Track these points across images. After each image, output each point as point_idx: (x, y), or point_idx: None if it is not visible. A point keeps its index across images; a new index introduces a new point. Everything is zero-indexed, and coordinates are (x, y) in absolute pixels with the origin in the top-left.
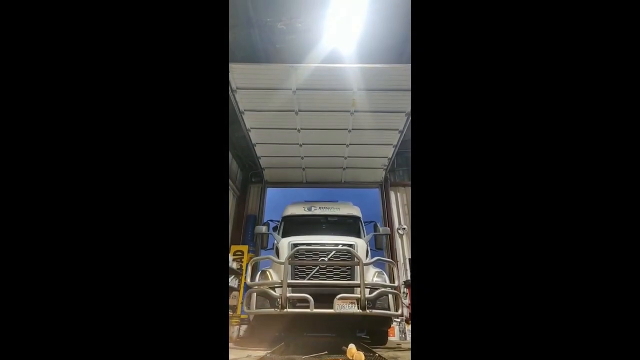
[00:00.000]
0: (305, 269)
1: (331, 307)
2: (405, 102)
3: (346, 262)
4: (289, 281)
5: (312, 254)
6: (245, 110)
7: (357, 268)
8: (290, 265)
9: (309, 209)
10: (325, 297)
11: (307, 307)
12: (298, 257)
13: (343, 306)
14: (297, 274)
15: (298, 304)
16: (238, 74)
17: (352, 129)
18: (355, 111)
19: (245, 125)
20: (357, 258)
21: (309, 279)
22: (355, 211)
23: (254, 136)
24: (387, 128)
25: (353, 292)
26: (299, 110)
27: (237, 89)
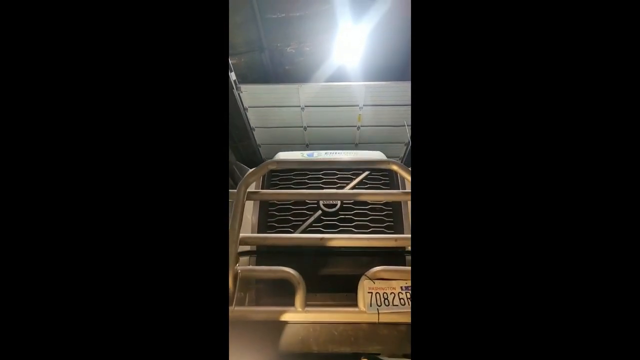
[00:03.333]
0: (292, 216)
1: (350, 302)
2: (409, 116)
3: (388, 197)
4: (244, 235)
5: (309, 177)
6: (255, 127)
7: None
8: (254, 203)
9: (310, 155)
10: (334, 281)
11: (290, 304)
12: (276, 182)
13: (385, 299)
14: (272, 224)
15: (265, 297)
16: (249, 94)
17: (358, 143)
18: (361, 126)
19: (255, 141)
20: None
21: (302, 231)
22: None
23: (264, 151)
24: (392, 142)
25: (404, 262)
26: (307, 126)
27: (248, 107)
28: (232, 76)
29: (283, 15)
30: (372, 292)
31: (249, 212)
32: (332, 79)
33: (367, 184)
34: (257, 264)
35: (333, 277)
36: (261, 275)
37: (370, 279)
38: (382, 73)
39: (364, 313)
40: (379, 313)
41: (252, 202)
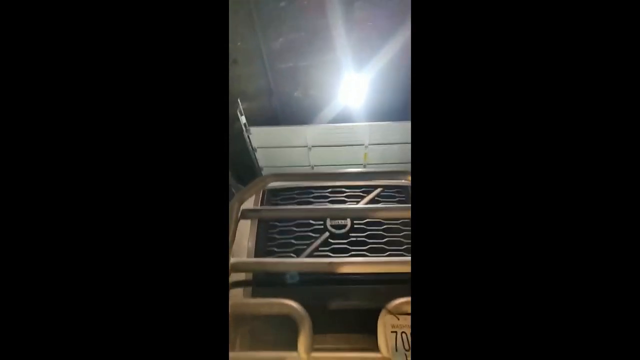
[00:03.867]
0: (294, 239)
1: (370, 345)
2: None
3: (405, 212)
4: (235, 261)
5: (314, 196)
6: (264, 167)
7: None
8: (250, 226)
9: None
10: (348, 318)
11: (292, 347)
12: (277, 202)
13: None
14: (272, 249)
15: (262, 337)
16: (258, 135)
17: None
18: (367, 164)
19: None
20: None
21: (307, 256)
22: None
23: None
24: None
25: None
26: (314, 165)
27: (257, 148)
28: (243, 119)
29: (291, 64)
30: (396, 332)
31: (245, 237)
32: (338, 119)
33: (380, 202)
34: (253, 297)
35: (346, 313)
36: (256, 311)
37: (392, 313)
38: (386, 114)
39: None
40: None
41: (248, 225)
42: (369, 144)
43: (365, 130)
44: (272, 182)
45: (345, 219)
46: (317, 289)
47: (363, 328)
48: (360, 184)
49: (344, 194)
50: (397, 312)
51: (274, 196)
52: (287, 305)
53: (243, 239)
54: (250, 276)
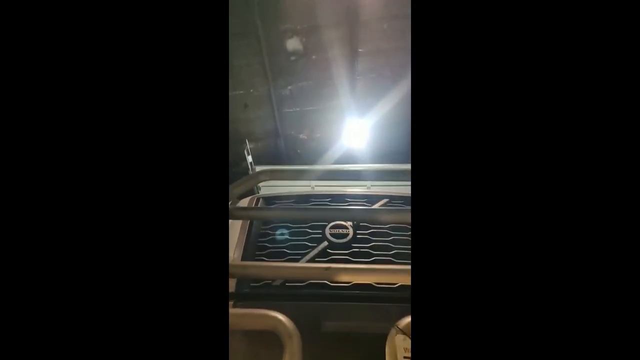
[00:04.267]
0: (288, 249)
1: None
2: None
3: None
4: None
5: (313, 204)
6: None
7: None
8: (239, 233)
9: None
10: (348, 341)
11: None
12: (276, 202)
13: None
14: (262, 257)
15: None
16: (262, 174)
17: None
18: None
19: None
20: None
21: (308, 262)
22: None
23: None
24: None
25: None
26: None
27: (261, 185)
28: (249, 159)
29: (298, 109)
30: (409, 359)
31: (231, 246)
32: (341, 160)
33: (401, 197)
34: (235, 302)
35: (345, 336)
36: (235, 324)
37: (404, 333)
38: (388, 156)
39: None
40: None
41: (236, 231)
42: (371, 185)
43: (367, 172)
44: (266, 179)
45: (346, 227)
46: (310, 305)
47: (366, 355)
48: (364, 193)
49: (346, 204)
50: (409, 333)
51: (268, 205)
52: (272, 317)
53: (229, 251)
54: (232, 287)
